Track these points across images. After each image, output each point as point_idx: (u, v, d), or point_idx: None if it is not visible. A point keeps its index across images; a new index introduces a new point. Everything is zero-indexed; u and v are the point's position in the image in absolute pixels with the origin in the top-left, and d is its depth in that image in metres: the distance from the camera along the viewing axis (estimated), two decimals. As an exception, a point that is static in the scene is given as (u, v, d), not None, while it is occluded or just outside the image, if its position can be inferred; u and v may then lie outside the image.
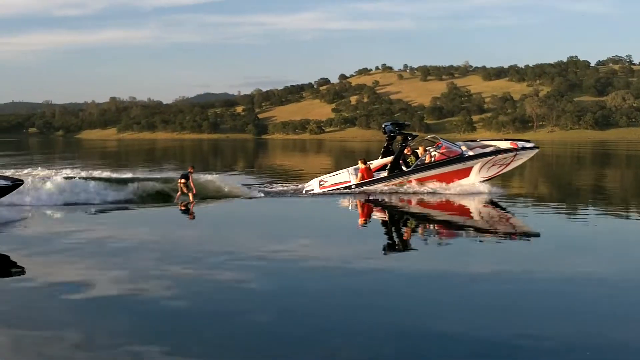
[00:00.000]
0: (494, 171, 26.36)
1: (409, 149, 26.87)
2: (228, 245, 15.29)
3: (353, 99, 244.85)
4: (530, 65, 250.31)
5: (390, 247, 16.00)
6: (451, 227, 19.04)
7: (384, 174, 26.75)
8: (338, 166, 53.88)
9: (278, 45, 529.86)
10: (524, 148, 26.66)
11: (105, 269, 12.46)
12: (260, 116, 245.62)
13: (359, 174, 26.48)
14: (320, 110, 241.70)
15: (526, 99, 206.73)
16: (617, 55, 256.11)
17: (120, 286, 11.15)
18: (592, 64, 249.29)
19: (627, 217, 21.10)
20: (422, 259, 14.12)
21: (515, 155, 26.37)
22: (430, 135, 30.93)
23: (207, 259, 13.53)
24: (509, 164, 26.49)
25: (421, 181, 26.03)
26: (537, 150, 27.78)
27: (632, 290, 11.33)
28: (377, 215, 22.54)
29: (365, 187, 26.21)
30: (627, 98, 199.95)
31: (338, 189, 26.52)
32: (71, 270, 12.37)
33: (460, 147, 26.82)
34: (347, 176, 27.28)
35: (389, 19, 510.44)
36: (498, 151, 26.31)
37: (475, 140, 29.49)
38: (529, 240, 16.79)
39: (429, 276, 12.33)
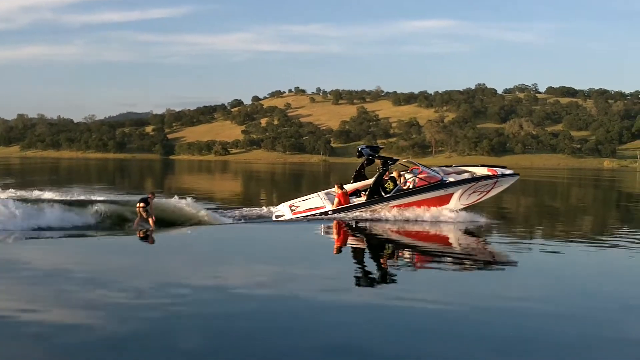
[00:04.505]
0: (474, 198, 25.49)
1: (387, 173, 25.87)
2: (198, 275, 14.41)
3: (263, 121, 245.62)
4: (440, 91, 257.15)
5: (365, 276, 15.29)
6: (428, 255, 18.42)
7: (356, 199, 25.83)
8: (247, 188, 55.78)
9: (208, 66, 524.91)
10: (504, 175, 25.93)
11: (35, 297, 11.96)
12: (170, 136, 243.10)
13: (336, 200, 25.35)
14: (230, 131, 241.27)
15: (425, 125, 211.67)
16: (523, 84, 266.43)
17: (45, 312, 10.88)
18: (500, 92, 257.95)
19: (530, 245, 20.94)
20: (401, 289, 13.66)
21: (495, 182, 25.59)
22: (405, 160, 30.04)
23: (159, 288, 12.85)
24: (489, 191, 25.67)
25: (401, 207, 25.05)
26: (517, 177, 26.83)
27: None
28: (354, 242, 21.43)
29: (342, 213, 25.03)
30: (524, 126, 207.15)
31: (313, 214, 25.23)
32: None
33: (438, 173, 25.95)
34: (320, 201, 26.09)
35: (319, 43, 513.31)
36: (479, 178, 25.53)
37: (450, 166, 28.79)
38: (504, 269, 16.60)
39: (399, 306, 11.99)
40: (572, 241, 21.28)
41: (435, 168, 27.19)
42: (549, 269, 16.42)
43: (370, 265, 17.45)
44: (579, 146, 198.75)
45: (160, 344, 9.43)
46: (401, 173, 26.31)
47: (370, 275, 15.50)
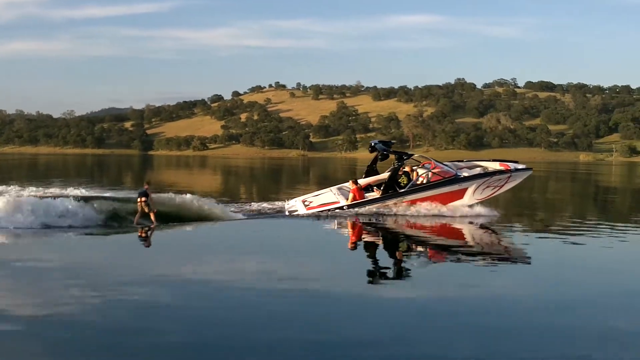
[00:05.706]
0: (487, 193, 25.53)
1: (401, 168, 25.82)
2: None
3: (243, 116, 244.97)
4: (419, 86, 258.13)
5: (377, 272, 15.32)
6: (443, 251, 18.38)
7: (368, 194, 25.72)
8: (226, 183, 55.43)
9: (194, 61, 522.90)
10: (517, 169, 26.02)
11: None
12: (149, 132, 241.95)
13: (351, 195, 25.21)
14: (210, 126, 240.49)
15: (403, 119, 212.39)
16: (502, 78, 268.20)
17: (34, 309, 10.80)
18: (479, 87, 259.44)
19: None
20: (410, 285, 13.69)
21: (509, 177, 25.66)
22: (417, 155, 29.86)
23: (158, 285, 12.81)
24: (502, 185, 25.68)
25: (416, 202, 25.00)
26: (530, 172, 26.95)
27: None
28: (368, 237, 21.45)
29: (357, 208, 24.95)
30: (502, 120, 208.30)
31: (328, 209, 25.08)
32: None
33: (451, 168, 25.99)
34: (333, 196, 26.02)
35: (304, 38, 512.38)
36: (493, 172, 25.59)
37: (462, 161, 28.73)
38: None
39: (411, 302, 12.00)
40: (575, 236, 21.24)
41: (447, 163, 27.25)
42: (553, 264, 16.31)
43: (384, 259, 17.41)
44: (555, 140, 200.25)
45: (157, 341, 9.42)
46: (413, 168, 26.41)
47: (383, 270, 15.60)
